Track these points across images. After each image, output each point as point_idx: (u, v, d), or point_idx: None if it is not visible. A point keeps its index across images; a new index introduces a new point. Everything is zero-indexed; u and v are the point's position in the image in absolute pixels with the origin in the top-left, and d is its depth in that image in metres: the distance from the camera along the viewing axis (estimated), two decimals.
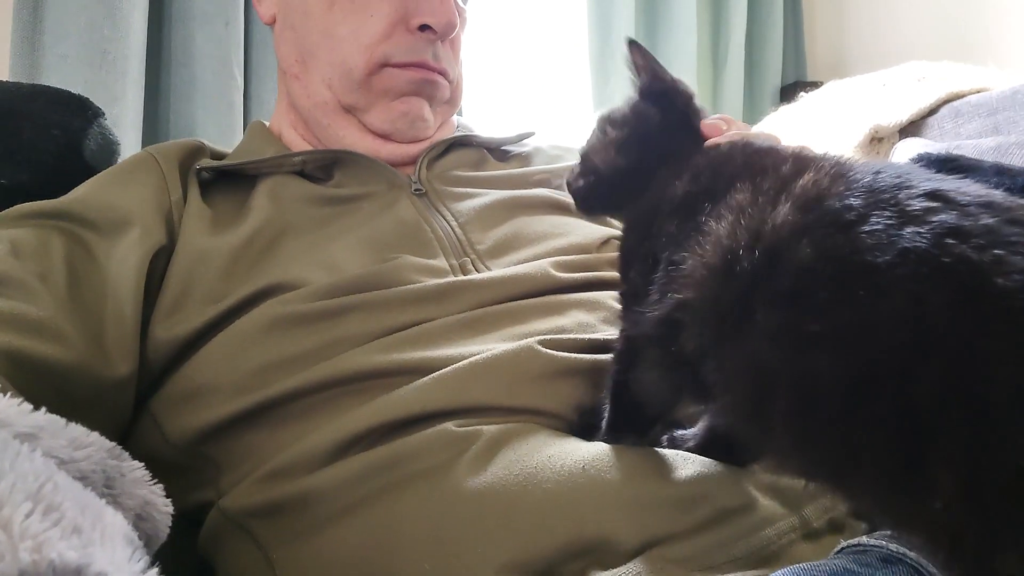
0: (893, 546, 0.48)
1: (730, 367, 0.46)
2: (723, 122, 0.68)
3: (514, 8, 1.89)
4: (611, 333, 0.66)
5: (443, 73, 0.91)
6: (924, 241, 0.37)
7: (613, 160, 0.69)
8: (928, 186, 0.41)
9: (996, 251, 0.35)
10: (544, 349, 0.66)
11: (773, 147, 0.57)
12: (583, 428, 0.64)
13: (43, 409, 0.42)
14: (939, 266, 0.36)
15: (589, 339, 0.69)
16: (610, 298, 0.74)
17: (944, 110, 1.58)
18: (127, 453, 0.47)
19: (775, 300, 0.43)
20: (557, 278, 0.75)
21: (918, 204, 0.39)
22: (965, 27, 1.91)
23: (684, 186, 0.57)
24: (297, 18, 0.91)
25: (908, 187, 0.41)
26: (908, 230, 0.38)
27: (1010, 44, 1.90)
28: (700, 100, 0.72)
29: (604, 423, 0.62)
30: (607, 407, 0.62)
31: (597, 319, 0.72)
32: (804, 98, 1.92)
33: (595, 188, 0.70)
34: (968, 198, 0.39)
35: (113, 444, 0.46)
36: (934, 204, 0.39)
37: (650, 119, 0.68)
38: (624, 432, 0.61)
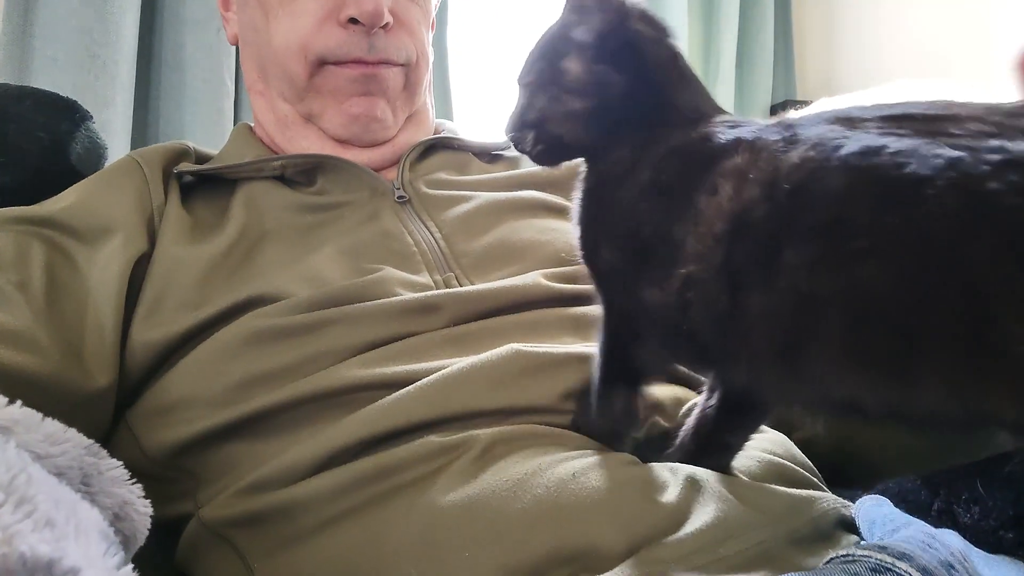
0: (881, 556, 0.47)
1: (753, 316, 0.48)
2: None
3: (508, 28, 1.90)
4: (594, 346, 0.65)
5: (386, 63, 0.87)
6: (960, 152, 0.40)
7: (580, 136, 0.60)
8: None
9: None
10: (526, 348, 0.65)
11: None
12: (582, 411, 0.64)
13: (18, 403, 0.42)
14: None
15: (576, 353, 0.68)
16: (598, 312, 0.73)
17: None
18: (105, 451, 0.46)
19: (808, 233, 0.45)
20: (547, 287, 0.74)
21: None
22: (951, 47, 1.93)
23: (649, 174, 0.55)
24: (249, 34, 0.90)
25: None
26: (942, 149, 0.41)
27: (996, 62, 1.91)
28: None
29: (598, 376, 0.62)
30: (599, 364, 0.62)
31: (583, 336, 0.71)
32: (794, 115, 1.92)
33: (559, 152, 0.63)
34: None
35: (91, 442, 0.45)
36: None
37: (611, 87, 0.59)
38: (617, 383, 0.61)
